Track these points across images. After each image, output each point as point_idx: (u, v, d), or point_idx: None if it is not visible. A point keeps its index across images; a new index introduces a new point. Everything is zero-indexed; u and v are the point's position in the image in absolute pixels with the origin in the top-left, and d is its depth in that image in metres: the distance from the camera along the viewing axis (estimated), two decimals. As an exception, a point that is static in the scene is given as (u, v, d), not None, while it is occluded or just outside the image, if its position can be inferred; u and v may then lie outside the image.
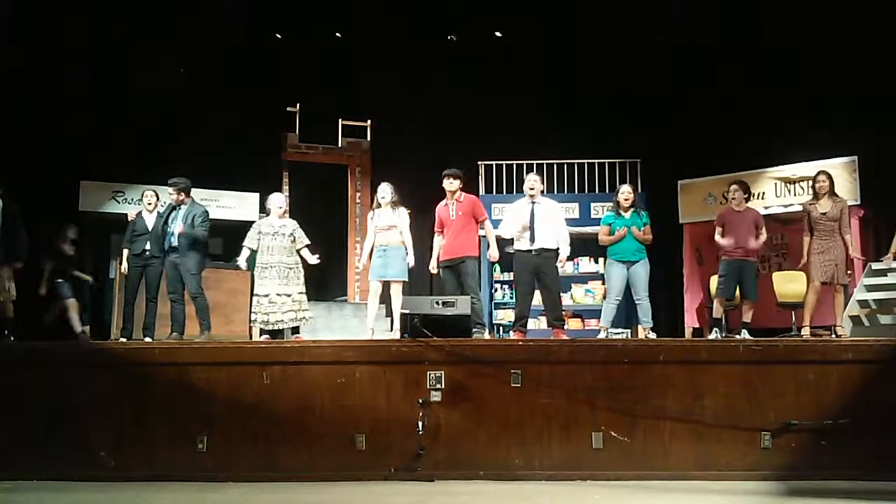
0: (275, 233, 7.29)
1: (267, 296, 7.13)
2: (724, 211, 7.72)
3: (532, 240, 7.16)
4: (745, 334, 7.32)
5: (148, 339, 7.31)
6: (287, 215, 7.58)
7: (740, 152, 10.07)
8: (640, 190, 10.90)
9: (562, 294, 7.97)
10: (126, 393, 5.98)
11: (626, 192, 7.60)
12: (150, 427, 5.91)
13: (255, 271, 7.32)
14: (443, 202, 7.48)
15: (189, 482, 5.68)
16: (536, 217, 7.21)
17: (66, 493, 5.47)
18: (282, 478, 5.75)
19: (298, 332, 7.35)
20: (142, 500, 5.25)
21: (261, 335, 7.35)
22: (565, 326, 7.71)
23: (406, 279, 7.49)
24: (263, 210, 10.58)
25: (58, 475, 5.76)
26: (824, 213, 7.12)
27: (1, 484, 5.61)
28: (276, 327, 7.16)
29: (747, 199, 7.70)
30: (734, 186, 7.68)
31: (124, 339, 7.36)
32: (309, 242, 7.39)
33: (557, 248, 7.20)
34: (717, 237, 7.57)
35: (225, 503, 5.28)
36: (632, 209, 7.53)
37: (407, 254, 7.44)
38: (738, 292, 7.67)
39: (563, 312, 7.98)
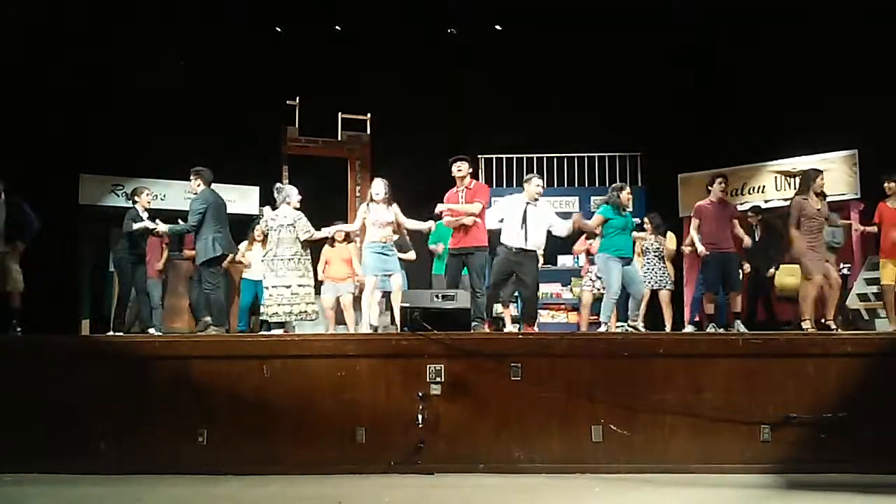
0: (279, 225, 7.33)
1: (276, 287, 7.17)
2: (704, 203, 7.79)
3: (525, 239, 7.19)
4: (739, 326, 7.37)
5: (152, 331, 7.40)
6: (288, 207, 7.57)
7: (740, 146, 10.07)
8: (639, 184, 10.92)
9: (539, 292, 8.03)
10: (127, 386, 5.99)
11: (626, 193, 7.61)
12: (151, 421, 5.92)
13: (265, 263, 7.38)
14: (453, 189, 7.42)
15: (190, 475, 5.69)
16: (530, 218, 7.22)
17: (67, 486, 5.48)
18: (282, 471, 5.76)
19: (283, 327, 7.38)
20: (143, 494, 5.26)
21: (270, 328, 7.38)
22: (536, 323, 7.66)
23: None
24: (264, 204, 10.66)
25: (59, 469, 5.76)
26: (819, 210, 7.12)
27: (2, 477, 5.61)
28: (281, 319, 7.19)
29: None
30: (721, 179, 7.83)
31: (120, 334, 7.38)
32: (311, 231, 7.35)
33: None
34: (694, 231, 7.73)
35: (226, 496, 5.28)
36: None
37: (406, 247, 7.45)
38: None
39: (563, 305, 8.01)
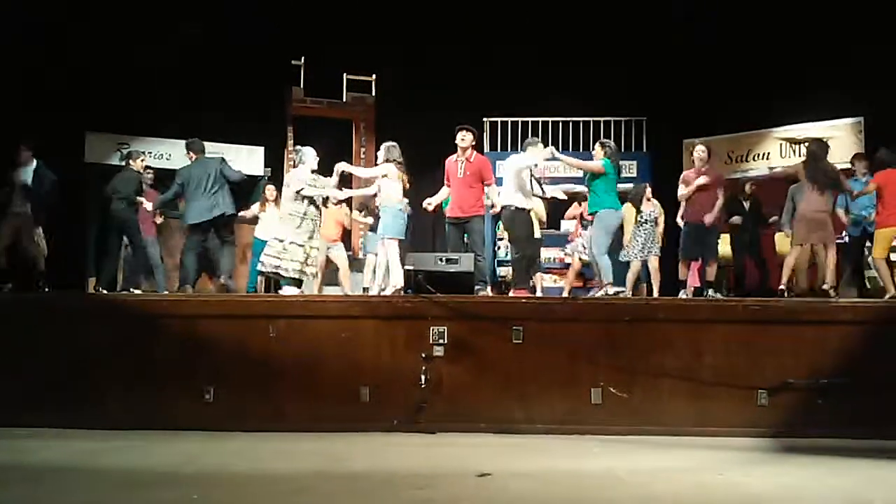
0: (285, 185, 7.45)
1: (292, 243, 7.18)
2: (689, 173, 7.85)
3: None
4: (710, 293, 7.56)
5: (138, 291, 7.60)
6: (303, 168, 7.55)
7: (746, 111, 10.03)
8: (644, 149, 10.89)
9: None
10: (135, 344, 6.06)
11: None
12: (161, 378, 6.00)
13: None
14: (453, 157, 7.42)
15: (197, 431, 5.79)
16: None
17: (78, 440, 5.57)
18: (287, 428, 5.85)
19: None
20: (153, 448, 5.37)
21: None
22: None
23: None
24: (268, 164, 10.70)
25: (71, 424, 5.84)
26: None
27: (15, 430, 5.70)
28: (295, 276, 7.18)
29: None
30: (701, 148, 7.87)
31: (105, 291, 7.48)
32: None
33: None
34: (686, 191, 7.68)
35: (233, 451, 5.37)
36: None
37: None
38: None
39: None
